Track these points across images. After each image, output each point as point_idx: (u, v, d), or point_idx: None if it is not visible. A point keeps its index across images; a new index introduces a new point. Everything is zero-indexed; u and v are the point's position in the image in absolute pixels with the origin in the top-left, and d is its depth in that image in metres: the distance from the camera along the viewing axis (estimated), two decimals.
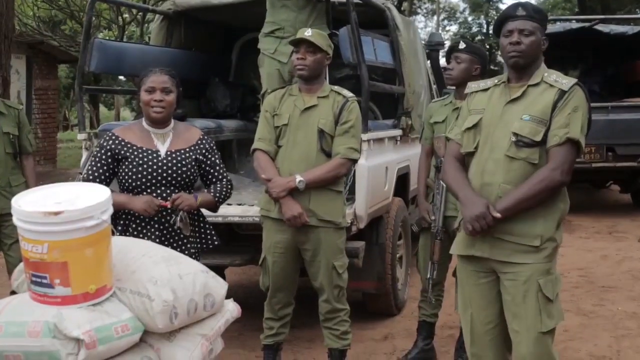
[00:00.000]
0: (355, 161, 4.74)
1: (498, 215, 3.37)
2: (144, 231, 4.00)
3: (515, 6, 3.55)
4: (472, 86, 3.78)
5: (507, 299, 3.52)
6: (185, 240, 4.08)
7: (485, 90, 3.68)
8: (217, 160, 4.24)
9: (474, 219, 3.40)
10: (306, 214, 4.52)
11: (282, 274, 4.73)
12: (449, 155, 3.75)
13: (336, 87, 4.80)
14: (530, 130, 3.42)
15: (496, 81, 3.67)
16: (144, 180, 3.98)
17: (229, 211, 5.48)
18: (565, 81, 3.47)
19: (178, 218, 4.00)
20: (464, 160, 3.66)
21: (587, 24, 12.47)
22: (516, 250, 3.45)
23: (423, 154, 5.36)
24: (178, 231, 4.04)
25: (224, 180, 4.23)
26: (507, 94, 3.56)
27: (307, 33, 4.64)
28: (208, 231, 4.24)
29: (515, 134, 3.43)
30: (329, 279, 4.67)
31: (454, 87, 5.25)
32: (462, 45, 5.11)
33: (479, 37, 45.27)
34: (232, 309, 3.50)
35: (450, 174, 3.68)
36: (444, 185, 5.00)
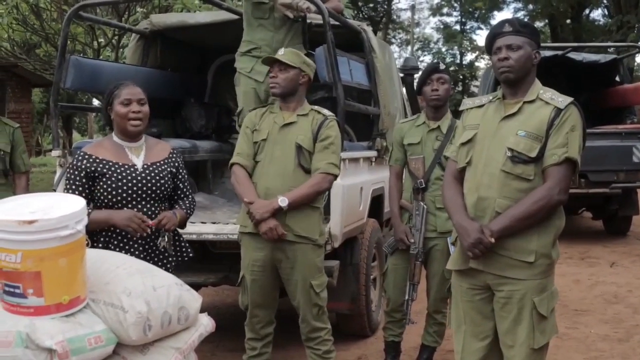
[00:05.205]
0: (335, 177, 4.68)
1: (492, 240, 3.40)
2: (127, 247, 3.94)
3: (502, 23, 3.59)
4: (467, 103, 3.80)
5: (502, 315, 3.53)
6: (166, 254, 4.05)
7: (480, 106, 3.71)
8: (186, 176, 4.25)
9: (471, 246, 3.44)
10: (283, 228, 4.48)
11: (261, 291, 4.69)
12: (448, 174, 3.78)
13: (316, 107, 4.81)
14: (525, 146, 3.44)
15: (491, 98, 3.70)
16: (124, 195, 3.93)
17: (204, 229, 5.47)
18: (561, 99, 3.49)
19: (165, 238, 3.96)
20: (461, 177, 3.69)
21: (560, 52, 12.61)
22: (510, 264, 3.47)
23: (393, 175, 5.35)
24: (163, 250, 3.99)
25: (190, 196, 4.22)
26: (502, 110, 3.58)
27: (279, 52, 4.71)
28: (183, 243, 4.22)
29: (511, 150, 3.46)
30: (306, 298, 4.63)
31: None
32: (442, 66, 5.16)
33: (452, 68, 45.59)
34: (206, 323, 3.46)
35: (447, 196, 3.71)
36: (424, 206, 5.02)
